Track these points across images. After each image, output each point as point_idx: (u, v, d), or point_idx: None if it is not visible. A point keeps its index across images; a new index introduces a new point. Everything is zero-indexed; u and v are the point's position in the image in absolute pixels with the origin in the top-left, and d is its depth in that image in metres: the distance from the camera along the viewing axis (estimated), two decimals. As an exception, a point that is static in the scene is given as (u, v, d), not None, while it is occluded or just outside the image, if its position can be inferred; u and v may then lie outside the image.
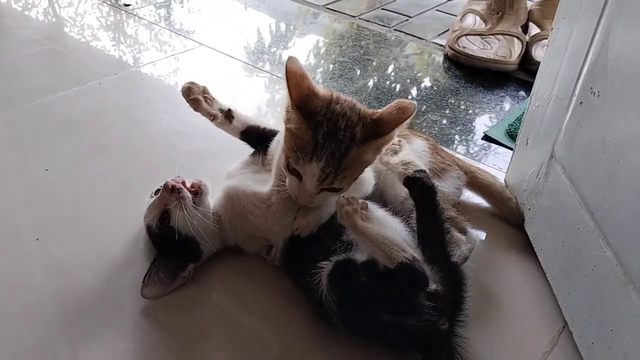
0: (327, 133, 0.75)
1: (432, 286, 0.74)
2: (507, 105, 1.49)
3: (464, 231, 0.94)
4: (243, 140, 1.02)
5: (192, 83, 0.99)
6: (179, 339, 0.81)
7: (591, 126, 0.80)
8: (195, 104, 0.99)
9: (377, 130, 0.76)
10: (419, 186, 0.82)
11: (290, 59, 0.76)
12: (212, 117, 0.99)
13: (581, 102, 0.83)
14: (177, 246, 0.86)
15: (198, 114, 1.00)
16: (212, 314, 0.85)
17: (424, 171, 0.84)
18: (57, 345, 0.80)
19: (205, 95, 1.00)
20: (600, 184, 0.75)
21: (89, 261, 0.93)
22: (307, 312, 0.84)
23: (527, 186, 1.00)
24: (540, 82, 0.99)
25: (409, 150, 0.89)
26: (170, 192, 0.86)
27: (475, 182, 1.07)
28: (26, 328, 0.82)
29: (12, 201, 1.06)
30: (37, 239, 0.97)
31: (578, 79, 0.84)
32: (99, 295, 0.87)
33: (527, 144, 1.02)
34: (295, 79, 0.75)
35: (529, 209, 0.99)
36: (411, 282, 0.72)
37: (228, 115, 1.00)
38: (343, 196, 0.80)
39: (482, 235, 1.03)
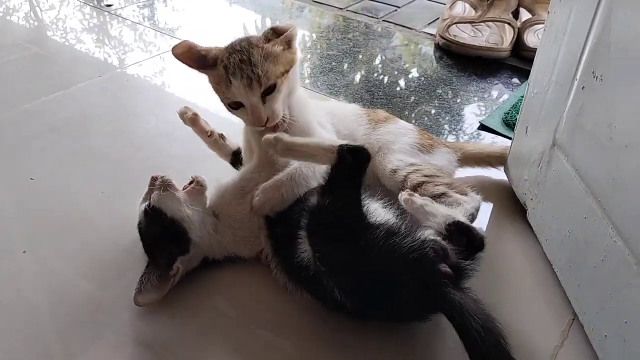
0: (229, 55, 0.84)
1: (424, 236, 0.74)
2: (501, 94, 1.46)
3: (464, 194, 0.92)
4: (233, 163, 1.04)
5: (187, 107, 1.05)
6: (178, 344, 0.79)
7: (595, 112, 0.77)
8: (192, 121, 1.03)
9: (277, 33, 0.88)
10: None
11: (174, 48, 0.85)
12: (209, 134, 1.03)
13: (583, 88, 0.80)
14: (165, 233, 0.84)
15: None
16: (211, 318, 0.83)
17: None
18: (54, 356, 0.77)
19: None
20: (607, 171, 0.73)
21: (81, 271, 0.90)
22: (310, 313, 0.82)
23: (529, 176, 0.97)
24: (538, 68, 0.97)
25: None
26: (154, 180, 0.88)
27: (468, 156, 1.08)
28: (22, 342, 0.79)
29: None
30: (25, 252, 0.93)
31: (579, 63, 0.81)
32: (93, 304, 0.84)
33: (526, 132, 0.99)
34: (186, 57, 0.86)
35: (532, 199, 0.96)
36: (355, 157, 0.76)
37: (222, 136, 1.04)
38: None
39: (482, 227, 1.00)
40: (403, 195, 0.82)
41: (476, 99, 1.44)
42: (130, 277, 0.85)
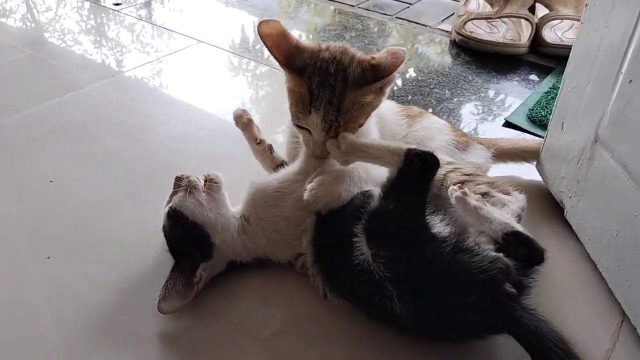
0: (320, 82, 0.76)
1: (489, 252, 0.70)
2: (521, 90, 1.44)
3: (507, 193, 0.89)
4: None
5: (244, 110, 0.99)
6: (201, 348, 0.76)
7: (646, 106, 0.74)
8: (244, 125, 0.98)
9: (376, 75, 0.77)
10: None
11: (262, 23, 0.76)
12: (259, 142, 0.98)
13: (630, 81, 0.77)
14: (187, 237, 0.81)
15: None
16: (235, 323, 0.80)
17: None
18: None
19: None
20: (661, 167, 0.70)
21: (105, 278, 0.87)
22: (345, 319, 0.79)
23: (566, 173, 0.94)
24: (574, 62, 0.94)
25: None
26: (179, 180, 0.86)
27: (502, 151, 1.05)
28: (41, 352, 0.76)
29: (15, 217, 0.99)
30: (49, 258, 0.90)
31: (624, 56, 0.79)
32: (116, 315, 0.81)
33: (562, 128, 0.96)
34: (272, 41, 0.77)
35: (570, 197, 0.93)
36: (424, 162, 0.73)
37: (270, 147, 0.99)
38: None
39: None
40: (455, 192, 0.77)
41: (496, 94, 1.41)
42: (156, 285, 0.80)
